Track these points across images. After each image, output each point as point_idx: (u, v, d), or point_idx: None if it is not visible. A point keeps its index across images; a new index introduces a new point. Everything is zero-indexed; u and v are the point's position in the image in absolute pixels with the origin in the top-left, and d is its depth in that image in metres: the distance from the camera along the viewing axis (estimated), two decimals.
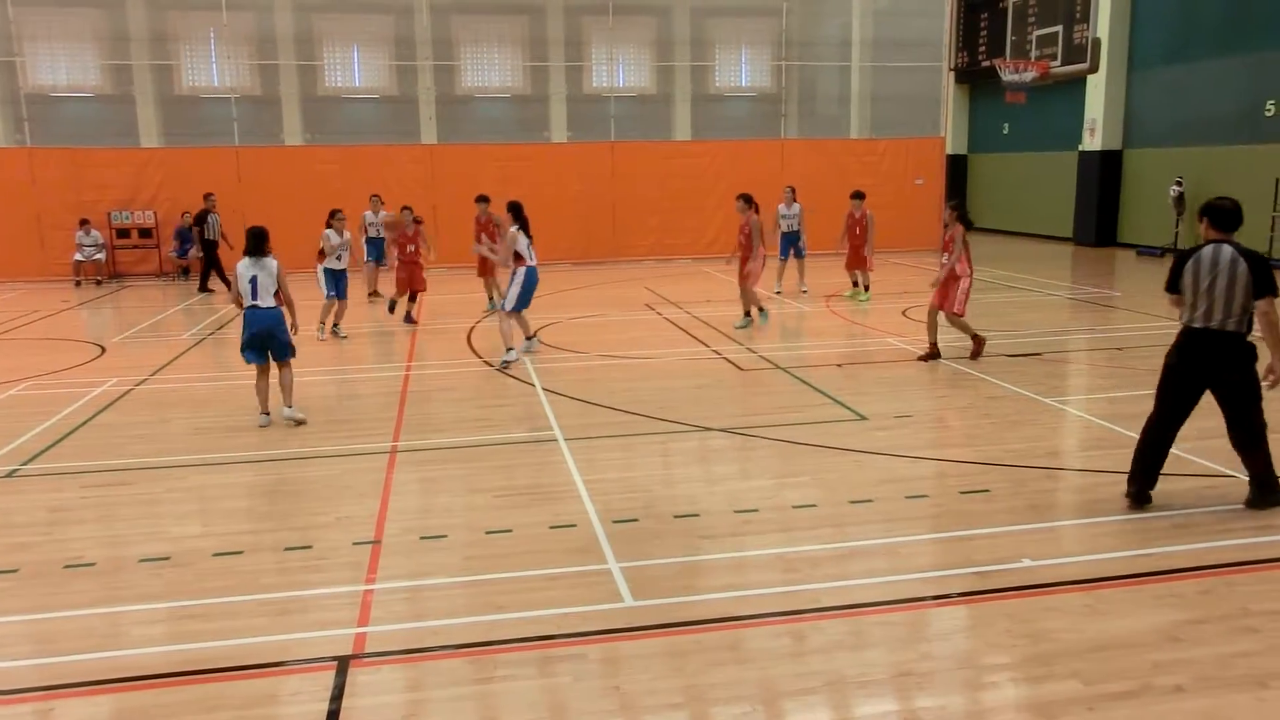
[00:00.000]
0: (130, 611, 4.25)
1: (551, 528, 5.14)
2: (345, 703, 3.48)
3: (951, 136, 23.65)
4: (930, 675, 3.59)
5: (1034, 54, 18.00)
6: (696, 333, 10.80)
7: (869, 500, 5.45)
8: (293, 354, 7.27)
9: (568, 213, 17.93)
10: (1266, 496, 5.08)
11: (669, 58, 21.58)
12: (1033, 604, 4.14)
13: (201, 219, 15.47)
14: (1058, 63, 17.23)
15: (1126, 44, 18.94)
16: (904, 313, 11.90)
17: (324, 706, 3.46)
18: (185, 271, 17.27)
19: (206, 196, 15.59)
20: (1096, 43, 16.89)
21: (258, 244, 7.09)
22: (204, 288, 15.45)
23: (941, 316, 9.06)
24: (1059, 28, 17.35)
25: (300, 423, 7.17)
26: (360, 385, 8.83)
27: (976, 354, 8.94)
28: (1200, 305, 4.90)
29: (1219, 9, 16.91)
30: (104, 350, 10.58)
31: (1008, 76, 17.63)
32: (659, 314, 12.24)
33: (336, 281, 10.73)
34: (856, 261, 12.96)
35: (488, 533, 5.08)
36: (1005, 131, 23.86)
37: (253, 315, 7.05)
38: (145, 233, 17.35)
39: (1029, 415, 7.18)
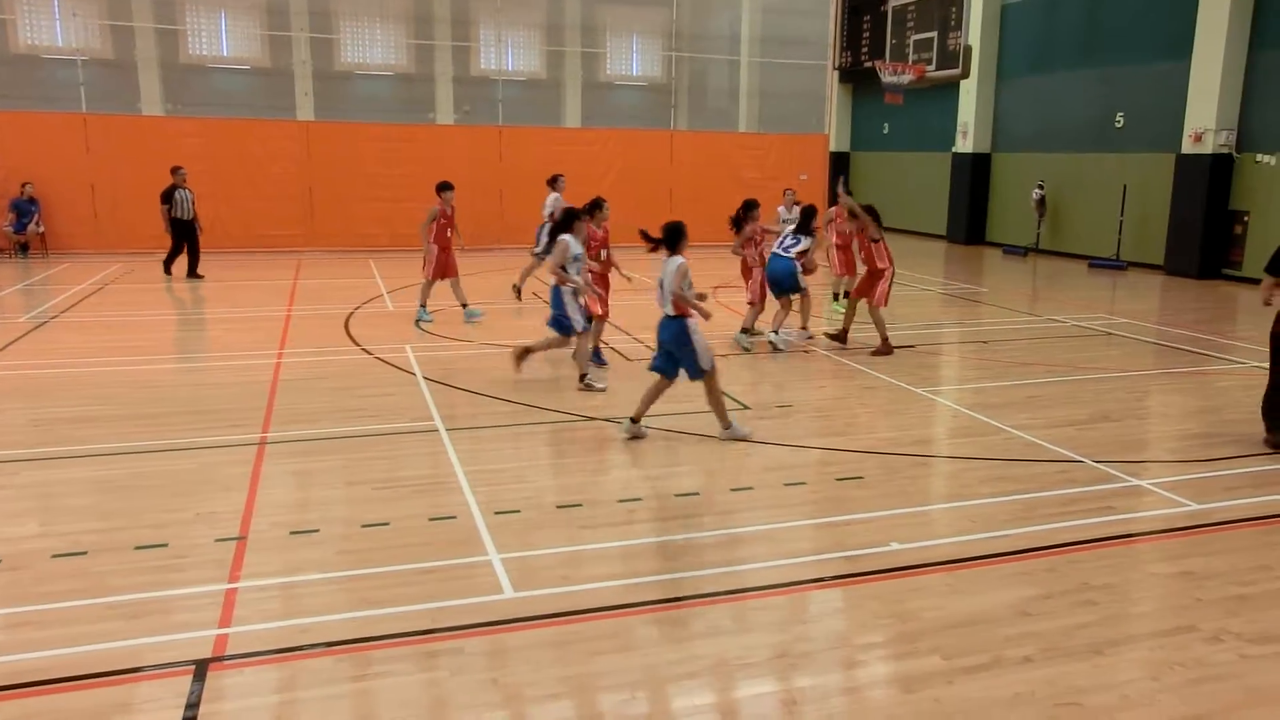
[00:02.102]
0: None
1: (431, 520, 5.00)
2: (204, 708, 3.28)
3: (835, 134, 24.48)
4: (807, 656, 3.71)
5: (912, 58, 18.86)
6: None
7: (750, 488, 5.57)
8: (702, 374, 6.28)
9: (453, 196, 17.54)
10: None
11: (559, 43, 21.34)
12: (900, 585, 4.33)
13: (168, 196, 13.71)
14: (933, 67, 18.11)
15: (996, 53, 20.03)
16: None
17: (180, 714, 3.24)
18: (24, 248, 15.83)
19: (175, 170, 13.85)
20: (968, 50, 17.84)
21: (672, 240, 6.25)
22: (173, 269, 14.05)
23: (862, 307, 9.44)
24: (934, 34, 18.23)
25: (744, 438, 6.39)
26: (226, 374, 8.33)
27: (878, 353, 9.17)
28: None
29: (1076, 24, 18.13)
30: None
31: (887, 78, 18.39)
32: (546, 302, 12.08)
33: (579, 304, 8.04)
34: (850, 266, 11.67)
35: (364, 526, 4.89)
36: (885, 131, 24.87)
37: (660, 323, 6.35)
38: None
39: (902, 405, 7.52)
